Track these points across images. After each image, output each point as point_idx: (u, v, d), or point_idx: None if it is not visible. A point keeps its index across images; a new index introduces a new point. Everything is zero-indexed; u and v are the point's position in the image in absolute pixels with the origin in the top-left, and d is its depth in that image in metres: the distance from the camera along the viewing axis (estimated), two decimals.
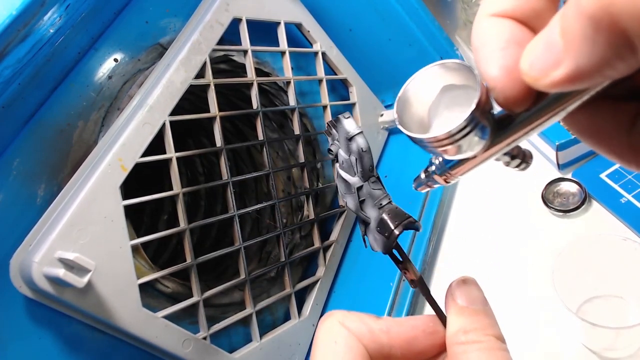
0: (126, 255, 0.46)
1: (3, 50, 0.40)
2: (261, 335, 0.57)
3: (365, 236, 0.29)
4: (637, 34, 0.14)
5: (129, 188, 0.48)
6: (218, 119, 0.55)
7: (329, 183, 0.69)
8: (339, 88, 0.74)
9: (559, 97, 0.19)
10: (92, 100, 0.52)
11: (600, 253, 0.49)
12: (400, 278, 0.62)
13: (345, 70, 0.71)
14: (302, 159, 0.64)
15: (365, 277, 0.66)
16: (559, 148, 0.62)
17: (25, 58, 0.44)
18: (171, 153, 0.50)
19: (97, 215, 0.44)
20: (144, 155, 0.48)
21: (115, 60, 0.54)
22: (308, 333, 0.62)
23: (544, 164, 0.67)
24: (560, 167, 0.64)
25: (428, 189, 0.25)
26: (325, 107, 0.68)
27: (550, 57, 0.16)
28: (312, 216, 0.65)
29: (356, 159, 0.29)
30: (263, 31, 0.62)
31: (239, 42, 0.59)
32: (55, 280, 0.41)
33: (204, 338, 0.51)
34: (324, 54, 0.68)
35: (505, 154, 0.22)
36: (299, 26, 0.66)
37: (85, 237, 0.43)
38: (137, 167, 0.48)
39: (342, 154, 0.29)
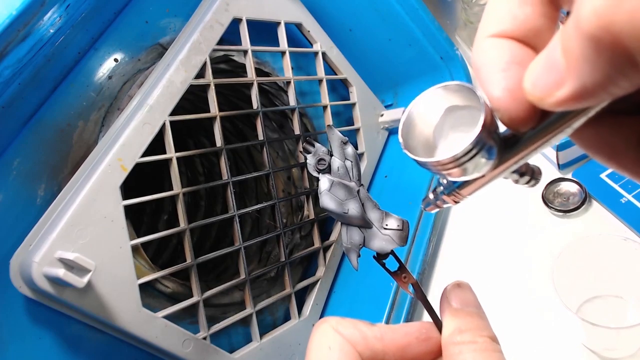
0: (126, 255, 0.46)
1: (3, 50, 0.40)
2: (261, 335, 0.57)
3: (356, 251, 0.29)
4: None
5: (129, 188, 0.48)
6: (218, 119, 0.55)
7: None
8: (339, 88, 0.74)
9: (564, 115, 0.18)
10: (92, 100, 0.52)
11: (600, 253, 0.49)
12: None
13: (345, 70, 0.71)
14: (302, 159, 0.64)
15: (365, 278, 0.66)
16: (559, 148, 0.62)
17: (25, 58, 0.44)
18: (171, 153, 0.50)
19: (97, 215, 0.44)
20: (144, 155, 0.48)
21: (115, 60, 0.54)
22: (308, 333, 0.61)
23: (544, 164, 0.67)
24: (561, 167, 0.64)
25: (437, 209, 0.24)
26: (325, 107, 0.68)
27: (553, 76, 0.16)
28: (312, 216, 0.65)
29: (352, 163, 0.29)
30: (263, 31, 0.62)
31: (239, 42, 0.59)
32: (55, 280, 0.41)
33: (204, 338, 0.51)
34: (324, 54, 0.68)
35: (513, 171, 0.22)
36: (299, 26, 0.66)
37: (85, 237, 0.43)
38: (137, 167, 0.48)
39: (337, 160, 0.29)
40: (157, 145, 0.50)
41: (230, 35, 0.57)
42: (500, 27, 0.19)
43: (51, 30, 0.46)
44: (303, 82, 0.69)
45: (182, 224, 0.51)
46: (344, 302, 0.66)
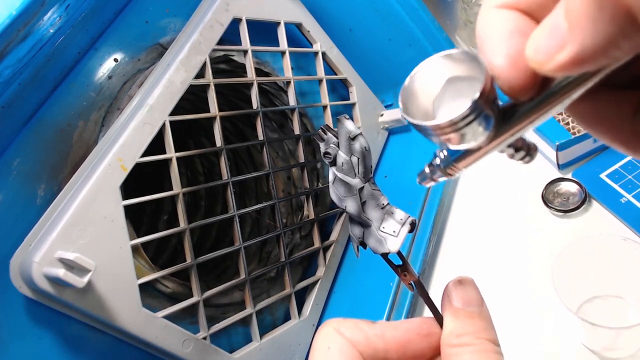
0: (126, 255, 0.46)
1: (3, 50, 0.40)
2: (261, 335, 0.57)
3: (359, 245, 0.29)
4: None
5: (129, 188, 0.48)
6: (218, 119, 0.55)
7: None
8: (339, 88, 0.74)
9: (563, 84, 0.19)
10: (92, 100, 0.52)
11: (600, 253, 0.49)
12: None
13: (345, 70, 0.71)
14: (302, 159, 0.64)
15: (365, 277, 0.66)
16: (559, 148, 0.62)
17: (25, 58, 0.44)
18: (171, 153, 0.50)
19: (97, 215, 0.44)
20: (144, 155, 0.48)
21: (115, 60, 0.54)
22: (308, 333, 0.62)
23: (544, 164, 0.66)
24: (560, 167, 0.64)
25: (432, 182, 0.24)
26: (325, 107, 0.68)
27: (555, 40, 0.16)
28: (312, 216, 0.64)
29: (358, 159, 0.29)
30: (263, 31, 0.62)
31: (239, 42, 0.59)
32: (55, 280, 0.41)
33: (204, 338, 0.51)
34: (324, 54, 0.68)
35: (509, 145, 0.22)
36: (299, 26, 0.66)
37: (85, 237, 0.43)
38: (137, 167, 0.48)
39: (342, 155, 0.29)
40: (157, 145, 0.50)
41: (230, 35, 0.57)
42: None
43: (51, 30, 0.46)
44: (303, 82, 0.69)
45: (182, 224, 0.51)
46: (344, 302, 0.66)
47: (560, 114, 0.65)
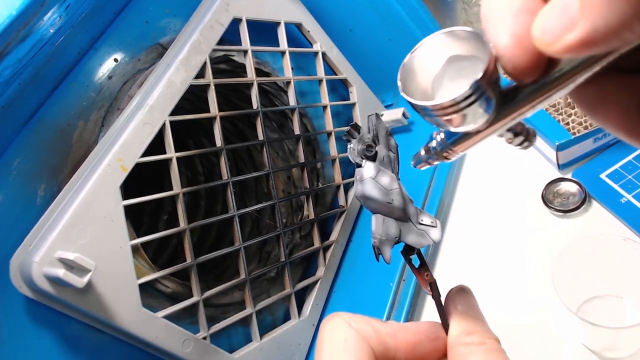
0: (126, 255, 0.46)
1: (3, 50, 0.40)
2: (261, 335, 0.57)
3: (395, 244, 0.29)
4: None
5: (129, 188, 0.48)
6: (218, 119, 0.55)
7: (329, 183, 0.69)
8: (339, 88, 0.74)
9: (569, 68, 0.18)
10: (92, 100, 0.52)
11: (600, 253, 0.49)
12: (400, 278, 0.62)
13: (345, 70, 0.71)
14: (302, 159, 0.64)
15: (365, 277, 0.66)
16: (559, 148, 0.62)
17: (25, 58, 0.44)
18: (171, 153, 0.50)
19: (97, 215, 0.44)
20: (144, 155, 0.48)
21: (115, 60, 0.54)
22: (308, 333, 0.62)
23: (544, 164, 0.66)
24: (560, 167, 0.64)
25: (427, 165, 0.24)
26: (325, 107, 0.68)
27: (564, 20, 0.16)
28: (312, 216, 0.64)
29: (394, 155, 0.29)
30: (263, 31, 0.62)
31: (239, 42, 0.59)
32: (55, 280, 0.41)
33: (204, 338, 0.51)
34: (324, 54, 0.68)
35: (508, 130, 0.21)
36: (299, 26, 0.66)
37: (85, 237, 0.43)
38: (137, 167, 0.48)
39: (383, 149, 0.29)
40: (157, 145, 0.50)
41: (230, 35, 0.57)
42: None
43: (51, 30, 0.46)
44: (303, 82, 0.69)
45: (182, 224, 0.51)
46: (344, 302, 0.66)
47: (561, 114, 0.65)
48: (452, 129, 0.20)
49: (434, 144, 0.23)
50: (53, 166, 0.48)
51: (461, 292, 0.28)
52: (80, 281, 0.41)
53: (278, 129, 0.72)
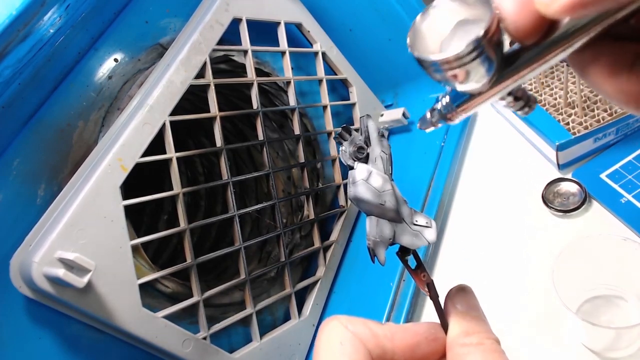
0: (126, 255, 0.46)
1: (3, 50, 0.40)
2: (261, 335, 0.57)
3: (390, 245, 0.29)
4: None
5: (129, 188, 0.48)
6: (218, 119, 0.55)
7: (329, 183, 0.69)
8: (339, 88, 0.74)
9: (568, 32, 0.20)
10: (92, 100, 0.52)
11: (600, 253, 0.49)
12: (400, 278, 0.62)
13: (345, 70, 0.71)
14: (302, 159, 0.64)
15: (365, 277, 0.66)
16: (559, 148, 0.62)
17: (25, 58, 0.44)
18: (171, 153, 0.50)
19: (97, 215, 0.44)
20: (144, 155, 0.48)
21: (115, 60, 0.54)
22: (308, 333, 0.62)
23: (544, 164, 0.66)
24: (560, 167, 0.64)
25: (432, 127, 0.25)
26: (325, 107, 0.68)
27: None
28: (312, 216, 0.65)
29: (387, 156, 0.29)
30: (263, 31, 0.62)
31: (239, 42, 0.59)
32: (55, 280, 0.41)
33: (204, 338, 0.51)
34: (324, 54, 0.68)
35: (509, 94, 0.23)
36: (299, 26, 0.66)
37: (85, 237, 0.43)
38: (137, 167, 0.48)
39: (375, 150, 0.29)
40: (157, 145, 0.50)
41: (230, 35, 0.58)
42: None
43: (51, 30, 0.46)
44: (303, 82, 0.69)
45: (182, 224, 0.51)
46: (344, 302, 0.66)
47: (561, 114, 0.65)
48: (458, 87, 0.22)
49: (439, 106, 0.24)
50: (53, 166, 0.48)
51: (461, 292, 0.28)
52: (80, 281, 0.41)
53: (278, 129, 0.72)
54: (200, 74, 0.54)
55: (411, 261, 0.29)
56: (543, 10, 0.18)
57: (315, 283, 0.64)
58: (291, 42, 0.64)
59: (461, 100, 0.23)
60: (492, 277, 0.60)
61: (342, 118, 0.74)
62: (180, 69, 0.52)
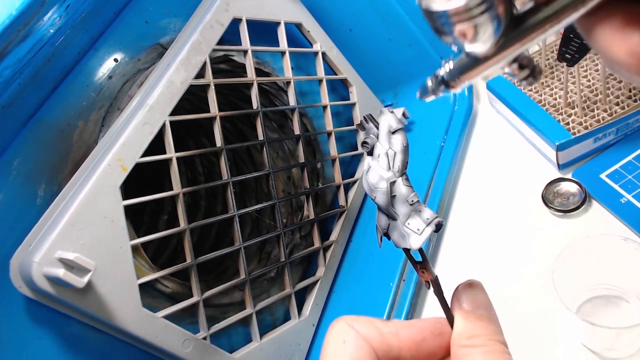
0: (126, 255, 0.46)
1: (3, 50, 0.40)
2: (261, 335, 0.57)
3: (383, 236, 0.29)
4: None
5: (129, 188, 0.48)
6: (218, 119, 0.55)
7: (329, 183, 0.69)
8: (339, 88, 0.74)
9: None
10: (92, 100, 0.52)
11: (600, 253, 0.49)
12: (400, 278, 0.62)
13: (345, 70, 0.71)
14: (302, 159, 0.64)
15: (365, 277, 0.66)
16: (559, 148, 0.62)
17: (25, 58, 0.44)
18: (171, 153, 0.50)
19: (97, 215, 0.44)
20: (144, 155, 0.48)
21: (115, 60, 0.54)
22: (308, 333, 0.62)
23: (544, 164, 0.67)
24: (560, 167, 0.64)
25: (433, 96, 0.24)
26: (325, 107, 0.68)
27: None
28: (312, 216, 0.65)
29: (395, 153, 0.29)
30: (263, 31, 0.62)
31: (239, 42, 0.59)
32: (55, 280, 0.41)
33: (204, 338, 0.51)
34: (324, 54, 0.68)
35: (515, 61, 0.22)
36: (299, 26, 0.66)
37: (85, 237, 0.43)
38: (137, 167, 0.48)
39: (380, 146, 0.29)
40: (157, 145, 0.50)
41: (230, 35, 0.58)
42: None
43: (51, 30, 0.46)
44: (303, 82, 0.69)
45: (182, 224, 0.51)
46: (344, 302, 0.66)
47: (561, 114, 0.65)
48: (466, 47, 0.21)
49: (441, 72, 0.23)
50: (53, 166, 0.48)
51: (468, 288, 0.27)
52: (80, 281, 0.41)
53: (278, 129, 0.72)
54: (200, 74, 0.54)
55: (416, 255, 0.29)
56: None
57: (315, 283, 0.64)
58: (291, 42, 0.64)
59: (464, 65, 0.22)
60: (491, 277, 0.60)
61: (342, 118, 0.74)
62: (180, 69, 0.52)
